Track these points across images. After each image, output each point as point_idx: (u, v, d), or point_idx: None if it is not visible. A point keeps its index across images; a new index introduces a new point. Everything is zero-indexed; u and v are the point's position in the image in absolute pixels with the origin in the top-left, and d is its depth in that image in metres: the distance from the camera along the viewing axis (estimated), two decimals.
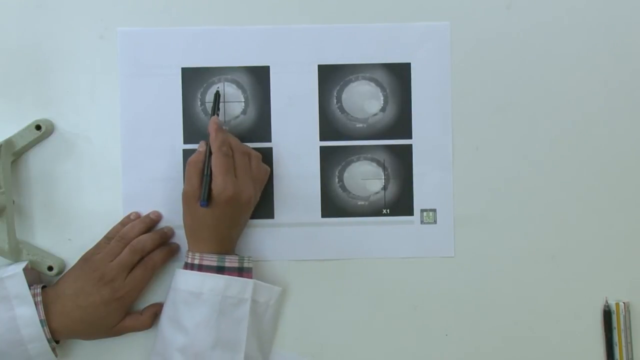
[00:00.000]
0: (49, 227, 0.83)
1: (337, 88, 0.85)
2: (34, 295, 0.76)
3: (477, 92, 0.85)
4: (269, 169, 0.82)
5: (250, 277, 0.79)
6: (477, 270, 0.85)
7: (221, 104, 0.84)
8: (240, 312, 0.77)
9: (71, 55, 0.84)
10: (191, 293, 0.77)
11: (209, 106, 0.84)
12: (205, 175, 0.76)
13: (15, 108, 0.83)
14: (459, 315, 0.84)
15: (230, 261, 0.78)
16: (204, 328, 0.75)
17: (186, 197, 0.78)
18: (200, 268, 0.77)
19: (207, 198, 0.75)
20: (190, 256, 0.78)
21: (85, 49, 0.84)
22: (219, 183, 0.75)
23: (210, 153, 0.77)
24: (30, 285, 0.76)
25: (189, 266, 0.78)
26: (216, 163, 0.76)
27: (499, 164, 0.85)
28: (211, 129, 0.78)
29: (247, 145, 0.80)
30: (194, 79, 0.84)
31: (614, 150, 0.85)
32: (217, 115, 0.81)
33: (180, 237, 0.83)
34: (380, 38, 0.85)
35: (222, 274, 0.77)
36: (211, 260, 0.77)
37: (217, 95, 0.82)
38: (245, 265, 0.79)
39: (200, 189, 0.76)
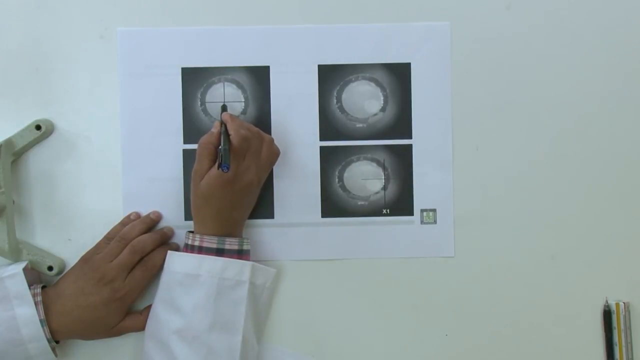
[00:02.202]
0: (49, 227, 0.83)
1: (337, 88, 0.85)
2: (34, 295, 0.76)
3: (477, 92, 0.85)
4: (279, 151, 0.82)
5: (249, 259, 0.79)
6: (477, 270, 0.85)
7: (221, 104, 0.84)
8: (238, 294, 0.77)
9: (71, 55, 0.84)
10: (188, 275, 0.77)
11: (209, 106, 0.84)
12: (223, 143, 0.76)
13: (15, 108, 0.83)
14: (459, 315, 0.84)
15: (230, 243, 0.78)
16: (201, 310, 0.76)
17: (194, 176, 0.78)
18: (200, 250, 0.77)
19: (222, 164, 0.74)
20: (190, 238, 0.78)
21: (85, 49, 0.84)
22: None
23: (227, 132, 0.77)
24: (30, 285, 0.76)
25: (189, 248, 0.78)
26: (232, 143, 0.76)
27: (499, 164, 0.85)
28: (226, 116, 0.79)
29: (259, 130, 0.80)
30: (194, 79, 0.84)
31: (614, 150, 0.85)
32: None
33: (180, 237, 0.83)
34: (380, 38, 0.85)
35: (222, 256, 0.77)
36: (211, 242, 0.77)
37: (224, 107, 0.83)
38: (245, 247, 0.79)
39: (208, 171, 0.77)
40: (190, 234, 0.79)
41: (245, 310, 0.78)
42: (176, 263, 0.78)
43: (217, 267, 0.77)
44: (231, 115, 0.79)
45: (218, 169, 0.75)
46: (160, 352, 0.76)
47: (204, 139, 0.78)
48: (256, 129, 0.80)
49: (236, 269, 0.78)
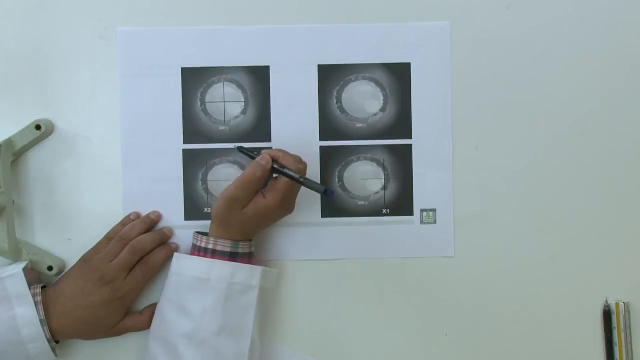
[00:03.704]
0: (49, 227, 0.83)
1: (337, 88, 0.85)
2: (34, 295, 0.76)
3: (477, 92, 0.85)
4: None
5: (254, 262, 0.79)
6: (477, 270, 0.85)
7: (221, 104, 0.84)
8: (248, 299, 0.77)
9: (71, 55, 0.84)
10: (198, 279, 0.77)
11: (209, 106, 0.84)
12: (301, 180, 0.76)
13: (15, 108, 0.83)
14: (459, 315, 0.84)
15: (243, 247, 0.78)
16: (210, 314, 0.76)
17: (231, 201, 0.76)
18: (215, 253, 0.77)
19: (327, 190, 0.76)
20: (204, 240, 0.78)
21: (85, 49, 0.84)
22: (271, 199, 0.77)
23: (281, 166, 0.77)
24: (30, 285, 0.76)
25: (202, 250, 0.78)
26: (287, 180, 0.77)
27: (499, 164, 0.85)
28: (275, 151, 0.78)
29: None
30: (194, 79, 0.84)
31: (613, 150, 0.85)
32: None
33: (180, 237, 0.83)
34: (380, 38, 0.85)
35: (235, 259, 0.77)
36: (225, 245, 0.77)
37: (241, 149, 0.81)
38: (253, 249, 0.80)
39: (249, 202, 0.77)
40: (201, 236, 0.79)
41: (255, 314, 0.78)
42: (186, 266, 0.78)
43: (227, 272, 0.77)
44: (280, 150, 0.79)
45: (323, 194, 0.76)
46: (166, 355, 0.76)
47: (249, 174, 0.76)
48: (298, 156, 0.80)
49: (246, 274, 0.77)
